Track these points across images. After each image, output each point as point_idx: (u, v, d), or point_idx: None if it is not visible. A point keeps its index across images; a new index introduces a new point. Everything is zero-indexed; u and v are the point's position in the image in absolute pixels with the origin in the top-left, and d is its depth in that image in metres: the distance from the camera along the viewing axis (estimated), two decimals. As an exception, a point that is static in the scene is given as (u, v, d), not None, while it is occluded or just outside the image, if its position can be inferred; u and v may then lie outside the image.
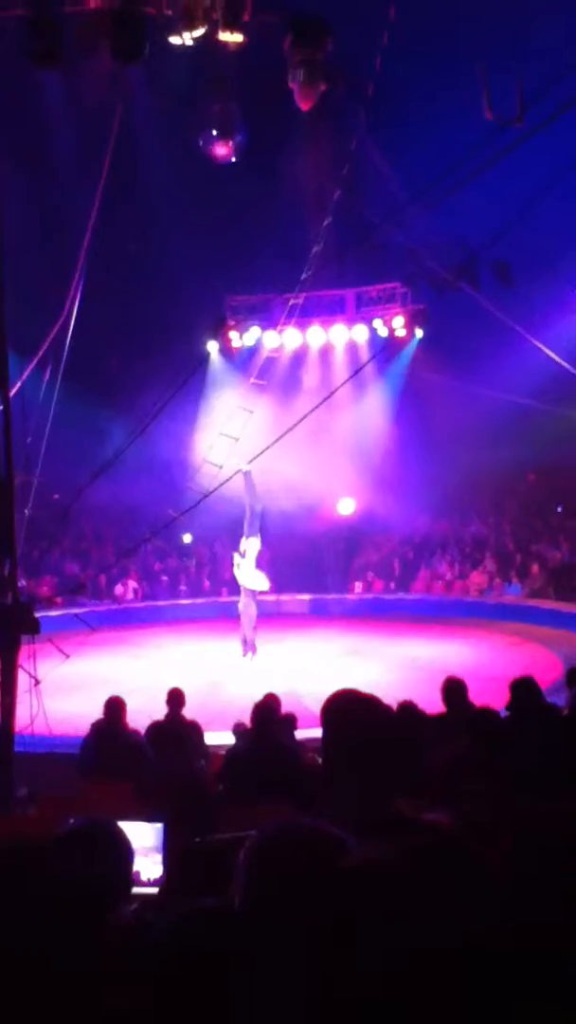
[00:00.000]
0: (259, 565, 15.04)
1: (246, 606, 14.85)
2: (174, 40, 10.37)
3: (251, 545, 14.77)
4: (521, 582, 19.63)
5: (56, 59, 9.84)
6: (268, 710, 6.58)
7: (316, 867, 1.58)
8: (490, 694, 7.11)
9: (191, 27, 10.24)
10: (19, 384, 8.49)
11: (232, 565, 15.24)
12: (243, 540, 14.86)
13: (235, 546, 15.36)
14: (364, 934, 1.48)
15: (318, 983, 1.45)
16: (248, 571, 14.78)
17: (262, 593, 15.29)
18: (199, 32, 10.28)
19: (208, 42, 10.51)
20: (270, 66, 11.00)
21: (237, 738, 7.38)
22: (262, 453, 10.50)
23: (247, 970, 1.53)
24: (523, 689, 6.01)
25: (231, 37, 10.35)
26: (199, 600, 21.16)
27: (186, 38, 10.31)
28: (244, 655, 14.75)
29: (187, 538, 21.74)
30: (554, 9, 11.80)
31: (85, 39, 10.11)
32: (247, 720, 6.89)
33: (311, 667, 13.83)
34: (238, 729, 7.62)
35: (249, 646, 14.78)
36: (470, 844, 2.01)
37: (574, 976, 1.48)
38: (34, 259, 13.29)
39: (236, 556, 14.96)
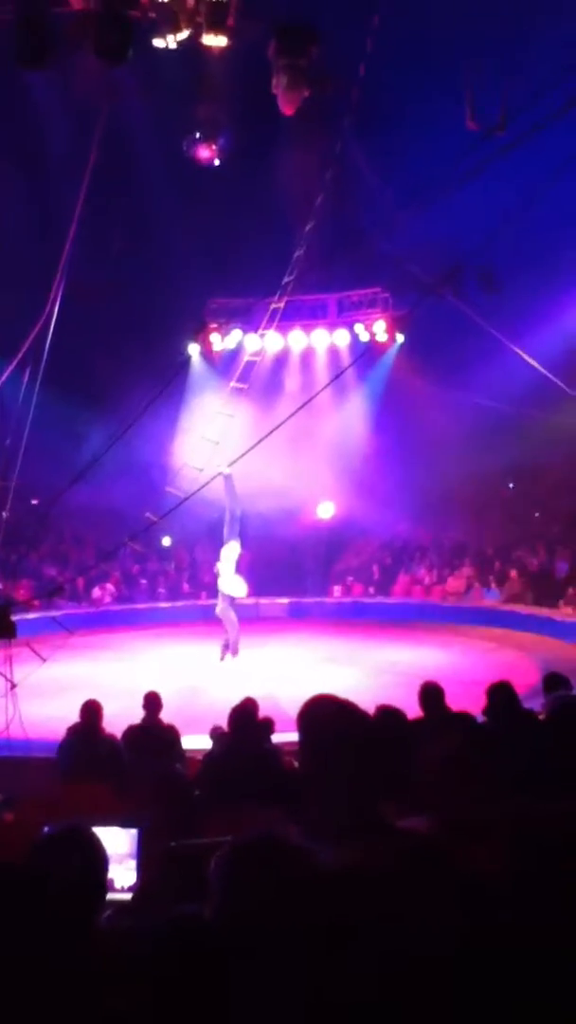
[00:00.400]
0: (238, 568, 15.01)
1: (224, 610, 14.81)
2: (158, 43, 10.36)
3: (230, 549, 14.74)
4: (499, 587, 19.73)
5: (44, 60, 9.81)
6: (246, 714, 6.57)
7: (285, 877, 1.58)
8: (468, 699, 7.13)
9: (175, 30, 10.24)
10: (-2, 385, 8.44)
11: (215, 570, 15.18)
12: (224, 545, 14.81)
13: (215, 549, 15.31)
14: (353, 938, 1.48)
15: (308, 987, 1.44)
16: (226, 575, 14.74)
17: (240, 598, 15.23)
18: (183, 35, 10.29)
19: (192, 45, 10.52)
20: (258, 70, 11.02)
21: (214, 742, 7.36)
22: (242, 456, 10.49)
23: (236, 976, 1.52)
24: (500, 694, 6.03)
25: (215, 41, 10.35)
26: (178, 603, 21.10)
27: (170, 41, 10.31)
28: (222, 659, 14.71)
29: (167, 541, 21.69)
30: (539, 21, 11.89)
31: (71, 40, 10.09)
32: (224, 724, 6.87)
33: (290, 671, 13.82)
34: (215, 733, 7.60)
35: (231, 649, 14.74)
36: (453, 846, 2.01)
37: (572, 973, 1.48)
38: (17, 259, 13.24)
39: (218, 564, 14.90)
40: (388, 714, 5.77)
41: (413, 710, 6.51)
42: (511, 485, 23.56)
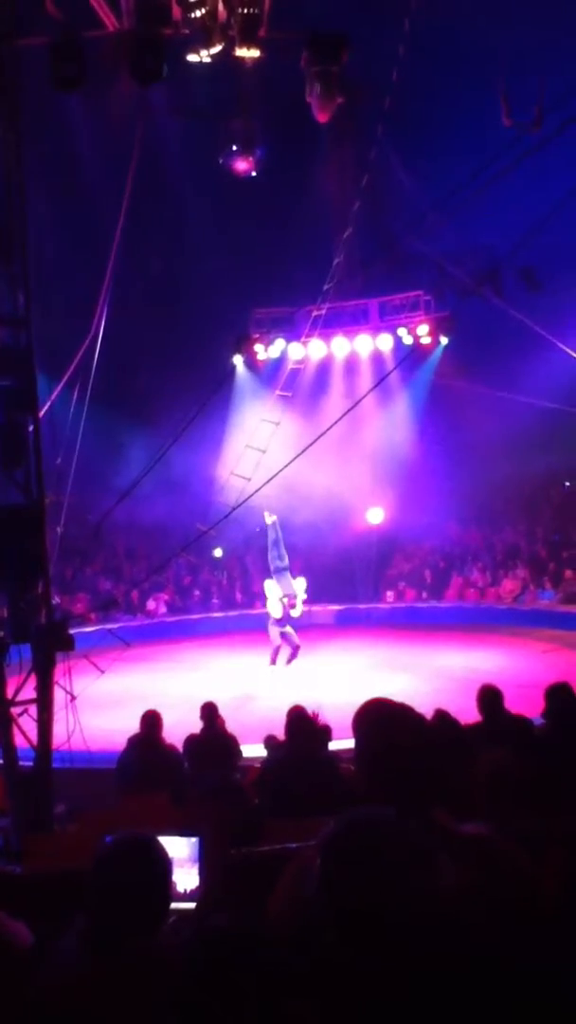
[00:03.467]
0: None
1: (269, 627, 14.88)
2: (192, 58, 10.47)
3: (270, 588, 14.73)
4: (555, 588, 19.45)
5: (80, 83, 9.97)
6: (299, 722, 6.56)
7: (416, 871, 1.40)
8: (526, 702, 7.05)
9: (208, 44, 10.34)
10: (48, 404, 8.57)
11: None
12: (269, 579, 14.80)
13: (264, 559, 15.30)
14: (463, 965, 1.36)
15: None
16: (269, 600, 14.75)
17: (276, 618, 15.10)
18: (216, 49, 10.38)
19: (226, 59, 10.61)
20: (292, 80, 11.07)
21: (269, 750, 7.38)
22: (287, 466, 10.47)
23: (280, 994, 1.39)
24: (559, 696, 5.94)
25: (248, 53, 10.42)
26: (231, 613, 21.19)
27: (203, 55, 10.41)
28: (288, 663, 14.67)
29: (218, 552, 21.80)
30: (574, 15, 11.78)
31: (106, 62, 10.24)
32: (278, 733, 6.88)
33: (345, 678, 13.79)
34: (270, 742, 7.62)
35: (273, 658, 14.79)
36: (517, 858, 1.98)
37: None
38: (59, 281, 13.46)
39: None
40: (445, 718, 5.73)
41: (470, 715, 6.46)
42: (567, 484, 23.20)
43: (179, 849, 3.27)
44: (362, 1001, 1.34)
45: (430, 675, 13.90)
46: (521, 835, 2.25)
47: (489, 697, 6.51)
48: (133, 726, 7.48)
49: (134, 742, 7.36)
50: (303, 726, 6.53)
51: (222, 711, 7.97)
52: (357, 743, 2.12)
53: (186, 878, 3.26)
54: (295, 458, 9.89)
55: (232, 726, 8.18)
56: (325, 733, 7.26)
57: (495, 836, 2.23)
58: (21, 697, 7.33)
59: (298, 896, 1.59)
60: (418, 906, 1.34)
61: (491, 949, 1.41)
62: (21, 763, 7.34)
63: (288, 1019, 1.39)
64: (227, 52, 10.52)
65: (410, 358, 19.38)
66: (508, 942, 1.49)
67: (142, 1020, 1.69)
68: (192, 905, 3.28)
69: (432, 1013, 1.32)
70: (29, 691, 7.38)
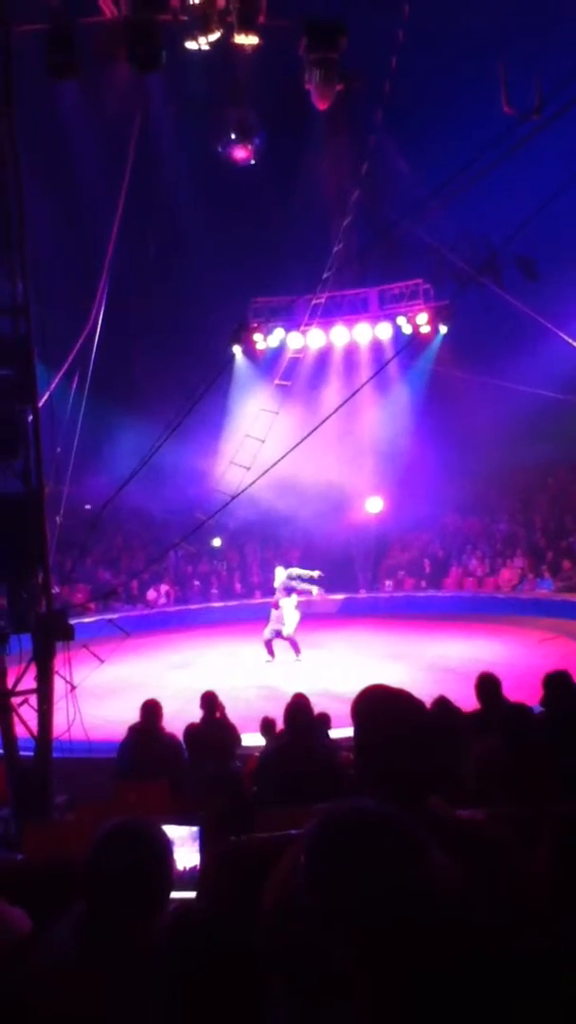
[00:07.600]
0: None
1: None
2: (190, 45, 10.43)
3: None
4: (553, 577, 19.46)
5: (76, 71, 9.92)
6: (299, 710, 6.57)
7: (407, 867, 1.37)
8: (524, 690, 7.06)
9: (206, 31, 10.29)
10: (47, 395, 8.56)
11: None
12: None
13: (264, 549, 15.37)
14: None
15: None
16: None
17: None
18: (214, 36, 10.33)
19: (224, 46, 10.56)
20: (289, 69, 11.02)
21: (266, 736, 7.38)
22: (285, 456, 10.45)
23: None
24: (558, 683, 5.95)
25: (246, 40, 10.38)
26: (231, 603, 21.20)
27: (202, 43, 10.36)
28: (297, 656, 14.78)
29: (216, 542, 21.79)
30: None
31: (103, 49, 10.20)
32: (276, 717, 6.90)
33: (345, 668, 13.80)
34: (266, 726, 7.63)
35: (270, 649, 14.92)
36: (511, 843, 1.98)
37: None
38: (60, 270, 13.41)
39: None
40: (446, 705, 5.75)
41: (469, 703, 6.48)
42: (564, 473, 23.15)
43: (179, 831, 3.26)
44: (351, 995, 1.32)
45: (429, 664, 13.91)
46: (512, 820, 2.25)
47: (487, 685, 6.52)
48: (133, 716, 7.49)
49: (134, 731, 7.37)
50: (300, 715, 6.54)
51: (223, 700, 7.99)
52: (356, 730, 2.11)
53: (187, 857, 3.25)
54: (294, 447, 9.87)
55: (231, 715, 8.20)
56: (324, 721, 7.28)
57: (491, 822, 2.23)
58: (21, 687, 7.34)
59: (290, 887, 1.58)
60: (407, 898, 1.32)
61: (488, 939, 1.40)
62: (21, 753, 7.35)
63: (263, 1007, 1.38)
64: (225, 39, 10.48)
65: (409, 347, 19.33)
66: (505, 931, 1.48)
67: (135, 1006, 1.70)
68: (193, 894, 3.28)
69: (428, 1007, 1.29)
70: (29, 681, 7.39)
